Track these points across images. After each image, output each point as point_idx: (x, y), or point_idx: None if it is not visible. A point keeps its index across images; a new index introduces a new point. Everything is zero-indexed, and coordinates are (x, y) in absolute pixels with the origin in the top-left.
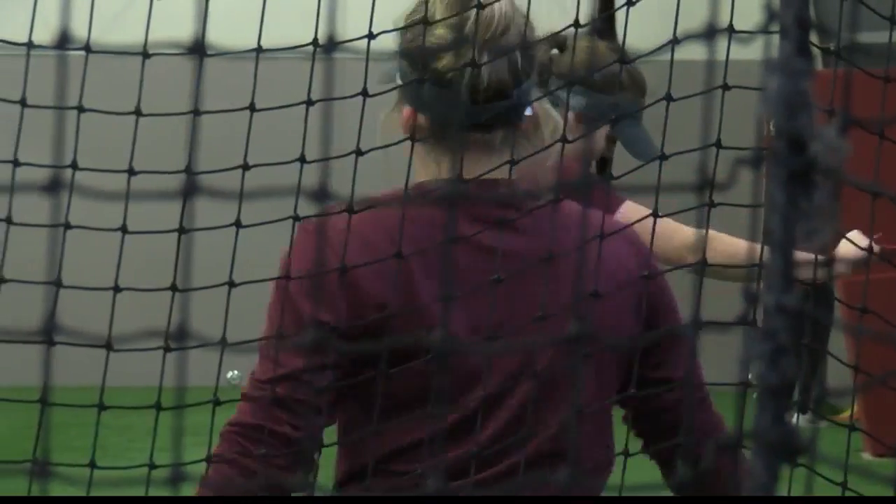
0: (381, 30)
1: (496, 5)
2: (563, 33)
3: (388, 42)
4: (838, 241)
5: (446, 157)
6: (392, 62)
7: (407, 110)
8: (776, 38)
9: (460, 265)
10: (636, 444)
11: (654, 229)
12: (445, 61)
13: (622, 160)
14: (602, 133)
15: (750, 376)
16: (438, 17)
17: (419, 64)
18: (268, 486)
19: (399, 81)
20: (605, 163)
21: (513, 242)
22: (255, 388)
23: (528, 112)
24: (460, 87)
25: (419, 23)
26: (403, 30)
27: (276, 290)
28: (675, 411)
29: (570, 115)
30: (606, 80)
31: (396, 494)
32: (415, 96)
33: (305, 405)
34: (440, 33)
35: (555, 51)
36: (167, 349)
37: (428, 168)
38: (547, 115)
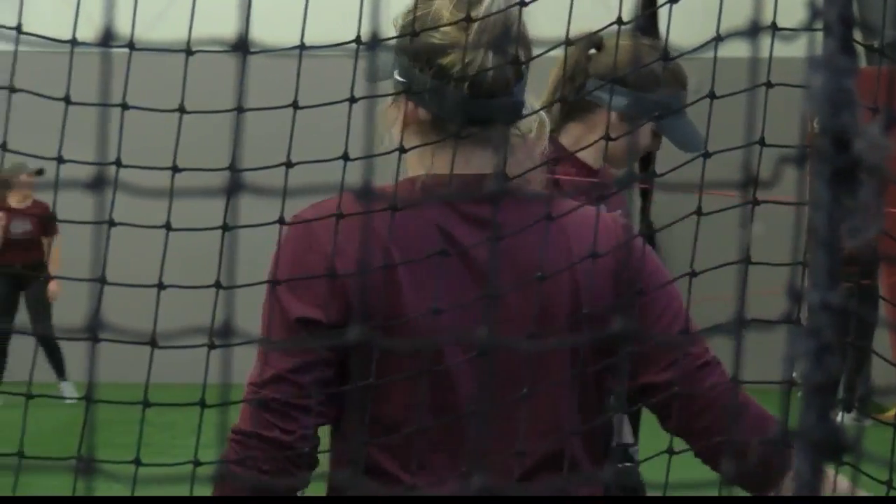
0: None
1: (496, 4)
2: (600, 33)
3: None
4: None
5: (443, 152)
6: (389, 57)
7: (407, 105)
8: (820, 36)
9: (440, 261)
10: (679, 442)
11: (698, 224)
12: (450, 58)
13: (664, 157)
14: (646, 130)
15: (794, 374)
16: (445, 13)
17: (423, 59)
18: (254, 491)
19: (398, 77)
20: (648, 158)
21: (474, 232)
22: (249, 392)
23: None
24: (463, 83)
25: (424, 20)
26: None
27: (266, 291)
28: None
29: (613, 114)
30: (646, 78)
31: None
32: (412, 92)
33: (295, 407)
34: (445, 30)
35: (592, 50)
36: (211, 346)
37: (423, 161)
38: (536, 113)
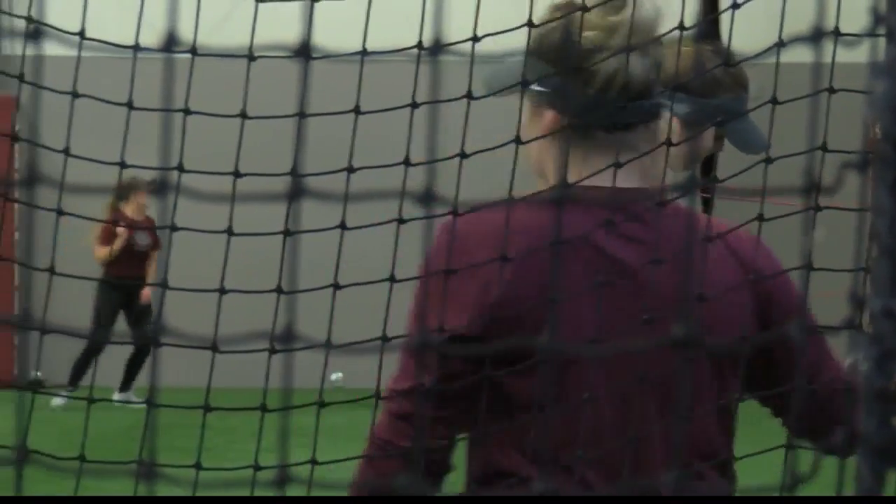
0: (484, 33)
1: (640, 6)
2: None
3: (492, 45)
4: None
5: (592, 157)
6: (510, 69)
7: (550, 114)
8: (882, 41)
9: (583, 270)
10: (744, 447)
11: (759, 229)
12: (602, 64)
13: (726, 163)
14: (709, 135)
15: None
16: (592, 19)
17: (567, 67)
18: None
19: (536, 87)
20: (710, 164)
21: (630, 251)
22: (388, 399)
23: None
24: (608, 87)
25: (563, 27)
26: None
27: (416, 302)
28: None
29: (675, 121)
30: (707, 84)
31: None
32: (559, 99)
33: (432, 418)
34: (592, 35)
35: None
36: (273, 351)
37: (573, 169)
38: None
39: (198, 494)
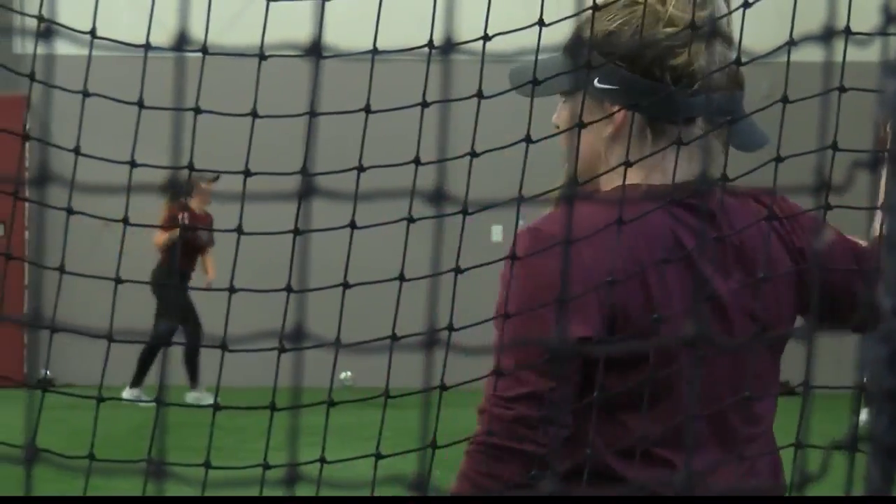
0: (495, 31)
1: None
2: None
3: (503, 44)
4: None
5: (667, 152)
6: (575, 56)
7: (620, 112)
8: (894, 40)
9: (673, 266)
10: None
11: (768, 237)
12: (682, 58)
13: (737, 161)
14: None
15: (866, 379)
16: (671, 12)
17: (647, 62)
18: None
19: (601, 84)
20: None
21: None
22: (496, 405)
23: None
24: (688, 82)
25: (630, 22)
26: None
27: (514, 301)
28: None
29: None
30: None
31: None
32: (630, 95)
33: (549, 421)
34: (670, 30)
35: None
36: (282, 350)
37: (643, 168)
38: None
39: (207, 494)
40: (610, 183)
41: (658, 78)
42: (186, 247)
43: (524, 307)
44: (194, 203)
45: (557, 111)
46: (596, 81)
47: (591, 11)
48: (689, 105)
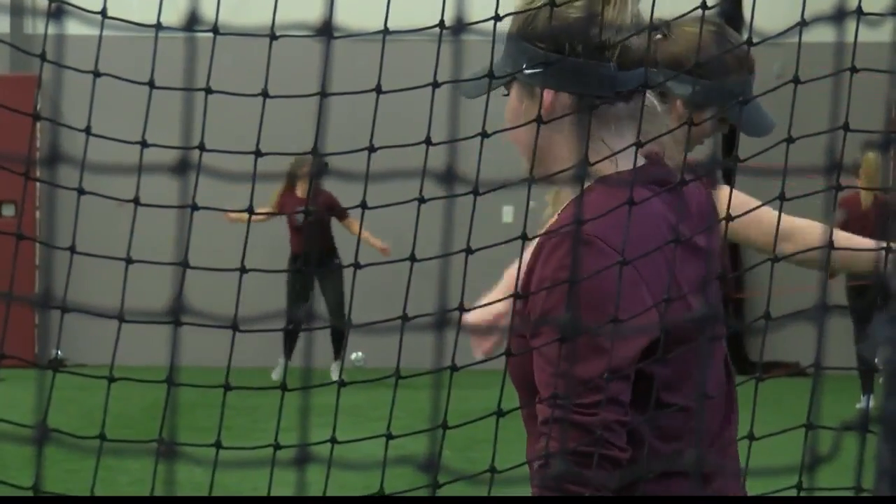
0: (506, 12)
1: None
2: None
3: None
4: None
5: (611, 132)
6: (507, 49)
7: (549, 95)
8: None
9: (683, 253)
10: (764, 427)
11: (780, 209)
12: (596, 34)
13: (748, 142)
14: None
15: (877, 361)
16: None
17: (564, 42)
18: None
19: (529, 70)
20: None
21: (686, 225)
22: (577, 413)
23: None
24: (610, 59)
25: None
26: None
27: (590, 313)
28: None
29: (678, 102)
30: (712, 66)
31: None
32: (557, 77)
33: (623, 425)
34: (581, 4)
35: (658, 36)
36: (293, 330)
37: (595, 148)
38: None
39: (217, 474)
40: (565, 163)
41: (575, 53)
42: (313, 228)
43: (595, 313)
44: (300, 189)
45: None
46: (524, 68)
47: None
48: (622, 79)
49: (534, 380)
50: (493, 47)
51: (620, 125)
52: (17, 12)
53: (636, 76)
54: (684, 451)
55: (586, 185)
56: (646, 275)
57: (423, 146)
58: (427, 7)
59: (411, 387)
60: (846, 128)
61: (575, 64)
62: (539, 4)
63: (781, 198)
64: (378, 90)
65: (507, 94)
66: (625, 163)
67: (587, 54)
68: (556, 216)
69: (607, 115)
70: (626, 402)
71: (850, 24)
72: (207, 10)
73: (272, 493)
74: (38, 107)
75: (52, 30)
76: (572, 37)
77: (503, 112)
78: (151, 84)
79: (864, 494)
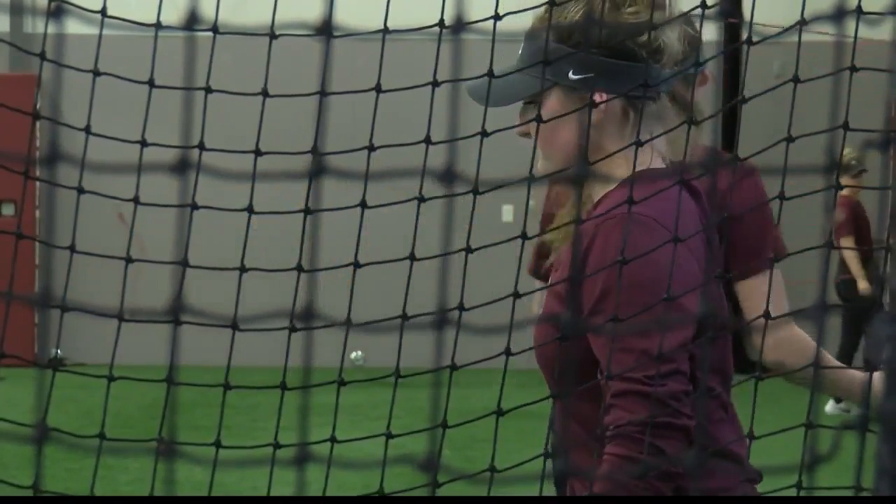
0: (506, 11)
1: None
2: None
3: (514, 23)
4: None
5: (658, 131)
6: (534, 55)
7: (599, 97)
8: None
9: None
10: (764, 426)
11: (780, 209)
12: (646, 37)
13: (748, 141)
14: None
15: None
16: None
17: (615, 45)
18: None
19: (576, 76)
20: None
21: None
22: (645, 385)
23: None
24: (651, 59)
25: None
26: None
27: (643, 293)
28: None
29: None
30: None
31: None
32: (610, 80)
33: (688, 395)
34: (635, 9)
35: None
36: (293, 329)
37: (644, 148)
38: None
39: (217, 473)
40: (618, 168)
41: (635, 57)
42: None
43: (654, 287)
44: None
45: (520, 120)
46: (570, 73)
47: (549, 8)
48: (663, 78)
49: (582, 360)
50: (492, 47)
51: (649, 124)
52: (16, 11)
53: (667, 74)
54: (725, 434)
55: (621, 180)
56: (697, 254)
57: (423, 145)
58: (427, 6)
59: (411, 386)
60: (846, 127)
61: (626, 66)
62: (580, 10)
63: (781, 197)
64: (378, 89)
65: (531, 103)
66: (655, 160)
67: (639, 57)
68: (595, 207)
69: (647, 115)
70: (687, 372)
71: (850, 23)
72: (207, 10)
73: (272, 493)
74: (38, 106)
75: (51, 29)
76: (629, 41)
77: (502, 111)
78: (151, 83)
79: (864, 494)
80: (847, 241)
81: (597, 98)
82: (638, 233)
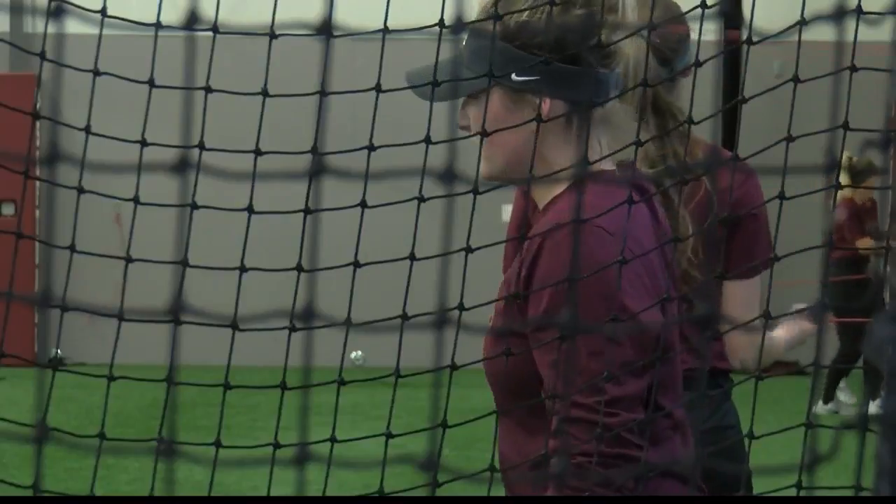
0: (506, 11)
1: None
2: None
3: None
4: None
5: (606, 135)
6: (480, 52)
7: (546, 101)
8: None
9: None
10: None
11: (780, 209)
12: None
13: (747, 141)
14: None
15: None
16: None
17: (563, 49)
18: None
19: (519, 77)
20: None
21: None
22: (595, 413)
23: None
24: (606, 65)
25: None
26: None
27: (602, 304)
28: None
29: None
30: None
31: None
32: (553, 83)
33: (642, 423)
34: (580, 13)
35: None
36: (293, 329)
37: (592, 150)
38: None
39: (217, 473)
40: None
41: (582, 62)
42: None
43: (607, 302)
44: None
45: (461, 114)
46: (514, 75)
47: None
48: (612, 83)
49: (525, 379)
50: (492, 46)
51: (597, 127)
52: (16, 11)
53: (617, 77)
54: (674, 453)
55: (567, 185)
56: (650, 266)
57: (423, 145)
58: (427, 6)
59: (411, 385)
60: (846, 127)
61: (571, 70)
62: (525, 7)
63: (781, 197)
64: (378, 89)
65: (470, 99)
66: (605, 164)
67: (585, 61)
68: (543, 215)
69: (593, 118)
70: (642, 395)
71: (850, 23)
72: (207, 9)
73: (272, 492)
74: (38, 105)
75: (51, 28)
76: (574, 43)
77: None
78: (151, 83)
79: (864, 494)
80: (861, 243)
81: (542, 103)
82: (589, 244)
